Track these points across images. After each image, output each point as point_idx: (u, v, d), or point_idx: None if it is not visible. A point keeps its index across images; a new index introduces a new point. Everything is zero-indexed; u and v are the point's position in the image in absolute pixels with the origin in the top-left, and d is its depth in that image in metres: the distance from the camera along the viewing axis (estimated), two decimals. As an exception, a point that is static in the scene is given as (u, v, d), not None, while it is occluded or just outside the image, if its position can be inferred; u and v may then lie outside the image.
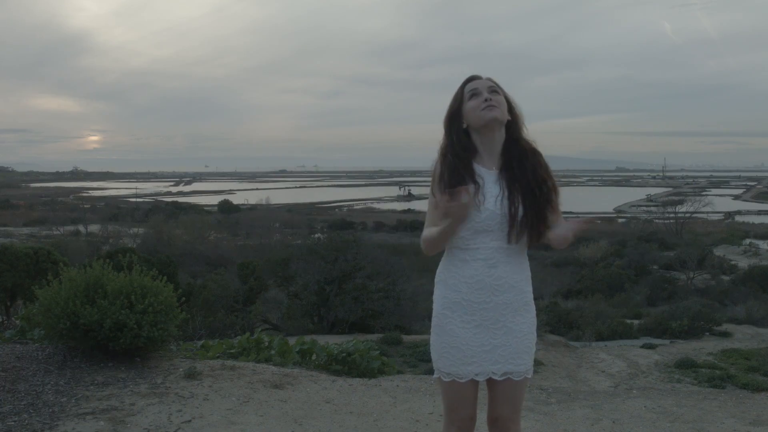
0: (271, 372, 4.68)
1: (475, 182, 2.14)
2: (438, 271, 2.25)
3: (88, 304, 4.26)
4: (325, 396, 4.31)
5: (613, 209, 76.84)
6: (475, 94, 2.18)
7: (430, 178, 2.24)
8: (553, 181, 2.21)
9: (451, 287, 2.18)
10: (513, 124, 2.22)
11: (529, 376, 2.22)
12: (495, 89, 2.20)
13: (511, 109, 2.22)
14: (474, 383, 2.19)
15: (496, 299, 2.14)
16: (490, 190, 2.15)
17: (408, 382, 5.02)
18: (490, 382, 2.21)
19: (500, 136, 2.21)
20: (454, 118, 2.23)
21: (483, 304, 2.14)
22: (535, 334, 2.24)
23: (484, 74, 2.25)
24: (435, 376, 2.24)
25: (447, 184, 2.12)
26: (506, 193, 2.15)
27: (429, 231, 2.18)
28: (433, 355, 2.23)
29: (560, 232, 2.16)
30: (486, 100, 2.15)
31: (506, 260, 2.15)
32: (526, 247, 2.21)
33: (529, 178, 2.16)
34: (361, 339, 6.73)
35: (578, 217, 2.31)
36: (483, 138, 2.20)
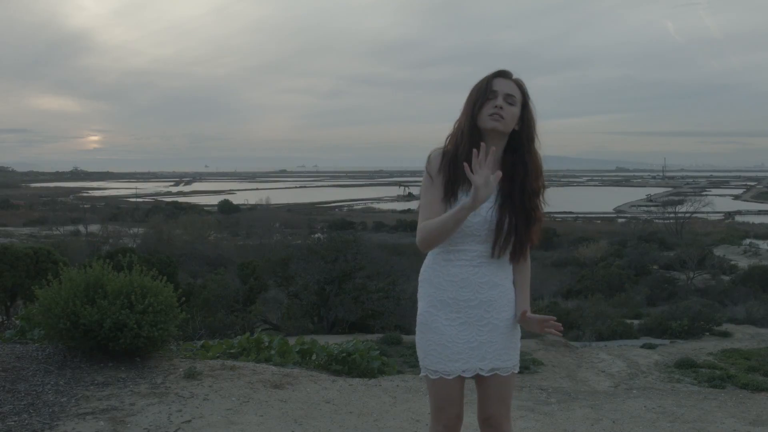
0: (271, 372, 4.68)
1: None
2: (422, 270, 2.26)
3: (88, 304, 4.27)
4: (325, 396, 4.31)
5: (613, 209, 76.86)
6: (492, 96, 2.14)
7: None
8: (541, 210, 2.21)
9: (436, 286, 2.19)
10: (519, 135, 2.19)
11: (516, 371, 2.24)
12: (512, 99, 2.15)
13: (524, 120, 2.18)
14: (460, 381, 2.21)
15: (480, 296, 2.17)
16: None
17: (408, 382, 5.03)
18: (478, 380, 2.22)
19: (503, 142, 2.19)
20: (477, 102, 2.16)
21: (468, 302, 2.17)
22: (520, 330, 2.26)
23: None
24: (422, 374, 2.25)
25: (454, 160, 2.12)
26: (499, 205, 2.15)
27: (432, 221, 2.10)
28: (419, 354, 2.24)
29: (531, 324, 2.20)
30: (496, 107, 2.12)
31: (490, 261, 2.18)
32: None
33: (524, 198, 2.16)
34: (361, 339, 6.73)
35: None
36: (486, 139, 2.16)
